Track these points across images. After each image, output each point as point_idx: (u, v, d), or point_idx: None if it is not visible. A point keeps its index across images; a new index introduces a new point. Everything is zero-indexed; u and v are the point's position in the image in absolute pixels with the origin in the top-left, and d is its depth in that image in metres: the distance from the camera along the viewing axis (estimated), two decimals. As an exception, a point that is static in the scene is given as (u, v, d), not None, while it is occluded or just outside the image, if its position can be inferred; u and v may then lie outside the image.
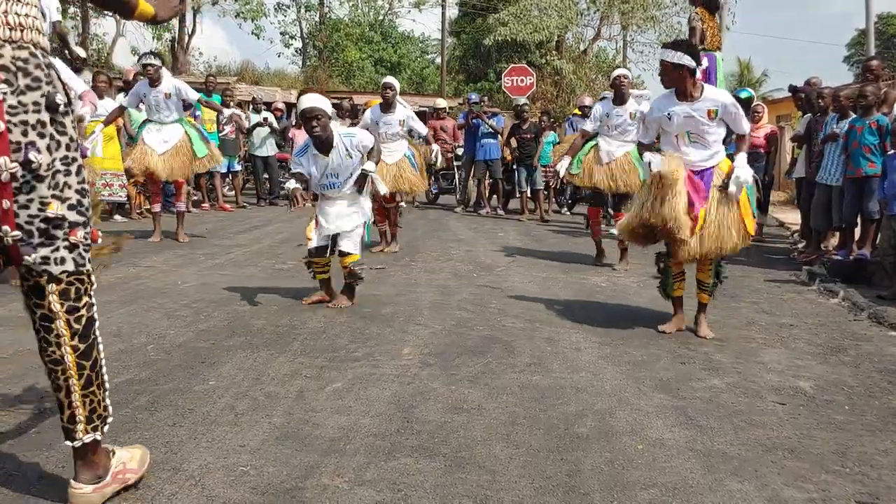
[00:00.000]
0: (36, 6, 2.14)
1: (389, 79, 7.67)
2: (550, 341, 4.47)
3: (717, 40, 6.56)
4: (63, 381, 2.29)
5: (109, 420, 2.42)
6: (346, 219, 5.09)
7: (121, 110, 8.09)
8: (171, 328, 4.46)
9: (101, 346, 2.41)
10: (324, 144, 4.93)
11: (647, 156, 4.58)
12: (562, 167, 6.79)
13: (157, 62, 7.63)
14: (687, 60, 4.48)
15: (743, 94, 10.15)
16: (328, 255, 5.13)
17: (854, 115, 7.16)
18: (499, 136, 12.13)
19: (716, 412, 3.38)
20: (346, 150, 4.96)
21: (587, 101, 11.51)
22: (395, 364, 3.90)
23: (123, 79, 11.50)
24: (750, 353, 4.44)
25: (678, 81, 4.54)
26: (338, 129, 5.01)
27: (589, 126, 7.16)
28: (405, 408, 3.28)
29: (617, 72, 7.34)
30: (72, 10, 25.44)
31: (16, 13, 2.08)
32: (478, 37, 26.92)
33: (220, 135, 11.77)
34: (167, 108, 7.62)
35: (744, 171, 4.49)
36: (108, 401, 2.41)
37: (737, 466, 2.80)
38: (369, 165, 5.10)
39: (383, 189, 5.26)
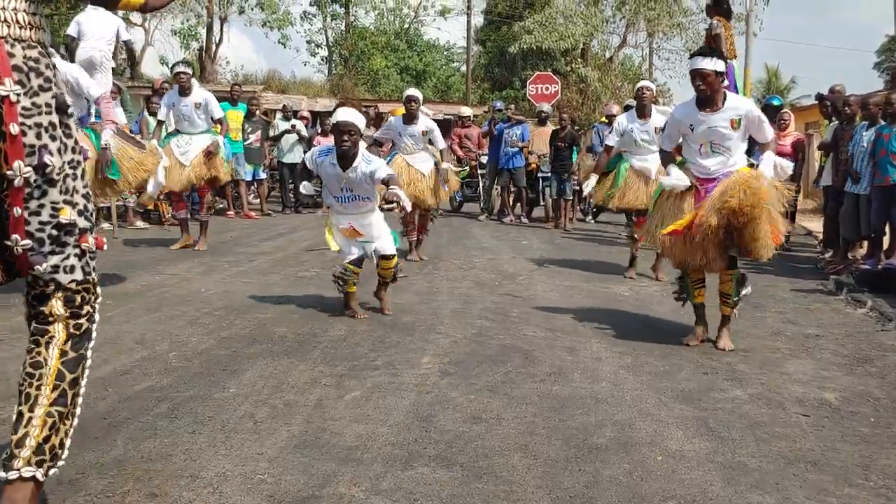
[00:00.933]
0: (41, 3, 2.07)
1: (413, 91, 7.68)
2: (571, 351, 4.45)
3: (733, 49, 6.55)
4: (34, 389, 2.10)
5: (60, 464, 2.18)
6: (368, 227, 5.11)
7: (160, 126, 8.08)
8: (194, 336, 4.50)
9: (86, 371, 2.27)
10: (346, 159, 4.92)
11: (665, 180, 4.60)
12: (588, 186, 6.76)
13: (189, 70, 7.72)
14: (721, 67, 4.45)
15: (775, 102, 10.08)
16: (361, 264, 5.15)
17: (882, 123, 7.06)
18: (524, 144, 12.14)
19: (738, 423, 3.34)
20: (363, 173, 4.92)
21: (614, 109, 11.45)
22: (415, 373, 3.90)
23: (153, 87, 11.65)
24: (774, 363, 4.38)
25: (716, 89, 4.47)
26: (363, 152, 5.00)
27: (612, 140, 7.08)
28: (423, 417, 3.27)
29: (640, 83, 7.28)
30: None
31: (24, 11, 2.00)
32: (503, 45, 26.94)
33: (245, 143, 11.89)
34: (196, 118, 7.65)
35: (769, 166, 4.45)
36: (68, 441, 2.19)
37: (758, 479, 2.77)
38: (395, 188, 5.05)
39: (408, 205, 5.19)
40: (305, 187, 5.39)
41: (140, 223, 10.21)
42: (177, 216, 8.28)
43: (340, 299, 5.26)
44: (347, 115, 4.86)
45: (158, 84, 12.06)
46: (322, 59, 32.03)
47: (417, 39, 33.87)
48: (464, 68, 29.67)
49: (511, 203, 12.81)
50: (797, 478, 2.80)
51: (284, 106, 14.28)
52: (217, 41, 27.61)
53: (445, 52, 35.33)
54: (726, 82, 4.61)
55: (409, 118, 7.47)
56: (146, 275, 6.42)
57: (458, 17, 31.17)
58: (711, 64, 4.40)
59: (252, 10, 28.36)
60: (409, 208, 5.02)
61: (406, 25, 33.87)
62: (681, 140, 4.78)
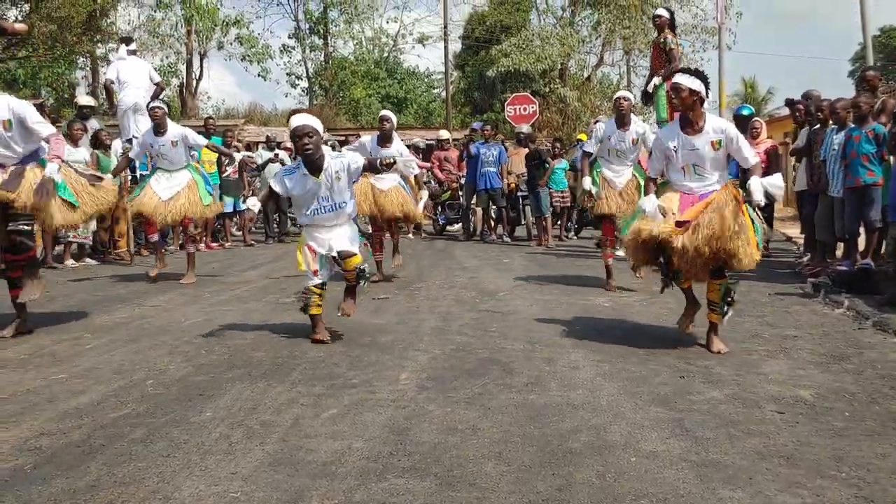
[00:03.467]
0: None
1: (387, 112, 7.76)
2: (549, 361, 4.47)
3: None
4: None
5: None
6: (338, 239, 5.02)
7: (127, 160, 8.10)
8: (172, 363, 4.49)
9: None
10: (314, 164, 4.87)
11: (644, 205, 4.68)
12: (587, 183, 6.92)
13: (164, 106, 7.75)
14: (700, 88, 4.59)
15: (745, 112, 10.22)
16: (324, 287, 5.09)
17: (851, 126, 7.17)
18: (501, 166, 12.22)
19: (712, 423, 3.36)
20: (336, 171, 4.88)
21: (602, 119, 11.65)
22: (392, 389, 3.91)
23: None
24: (751, 364, 4.41)
25: (691, 107, 4.60)
26: (328, 152, 5.00)
27: (590, 147, 7.19)
28: (399, 430, 3.28)
29: (618, 94, 7.36)
30: (80, 60, 25.91)
31: None
32: (482, 69, 27.16)
33: (223, 175, 11.92)
34: (175, 155, 7.66)
35: (758, 190, 4.55)
36: None
37: (730, 475, 2.78)
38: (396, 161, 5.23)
39: (415, 170, 5.15)
40: (251, 203, 5.18)
41: (90, 260, 9.97)
42: (150, 239, 8.27)
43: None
44: (302, 119, 4.87)
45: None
46: (303, 91, 32.21)
47: (397, 67, 34.14)
48: (444, 94, 29.89)
49: (494, 223, 12.87)
50: (770, 472, 2.82)
51: (268, 137, 14.34)
52: (197, 77, 27.78)
53: (425, 79, 35.59)
54: (707, 105, 4.72)
55: (384, 139, 7.52)
56: (126, 307, 6.41)
57: (437, 44, 31.49)
58: (688, 81, 4.57)
59: (231, 44, 28.57)
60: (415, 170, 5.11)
61: (385, 54, 34.15)
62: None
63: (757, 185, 4.55)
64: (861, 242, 7.24)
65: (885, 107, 7.22)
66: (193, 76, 27.35)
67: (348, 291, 5.21)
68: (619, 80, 31.11)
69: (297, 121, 4.86)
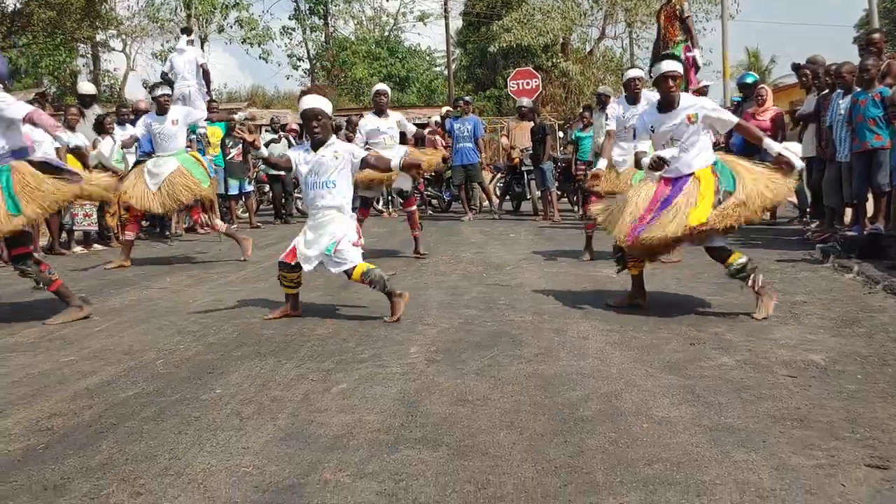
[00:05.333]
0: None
1: (381, 86, 7.85)
2: (558, 332, 4.45)
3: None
4: None
5: None
6: (323, 238, 4.88)
7: (133, 140, 8.13)
8: (181, 343, 4.49)
9: None
10: (320, 144, 4.90)
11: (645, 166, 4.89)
12: (602, 164, 6.76)
13: (170, 91, 7.85)
14: (681, 69, 4.82)
15: (749, 79, 10.13)
16: (300, 271, 5.00)
17: (858, 89, 7.09)
18: (476, 140, 12.11)
19: (724, 388, 3.35)
20: (336, 150, 4.88)
21: (609, 90, 11.60)
22: (402, 362, 3.90)
23: (133, 109, 11.65)
24: (762, 330, 4.39)
25: (676, 89, 4.81)
26: (336, 139, 4.97)
27: (612, 125, 7.07)
28: (410, 403, 3.27)
29: (631, 74, 7.19)
30: (82, 49, 25.87)
31: None
32: (483, 45, 27.01)
33: (227, 158, 11.89)
34: (173, 136, 7.73)
35: (776, 147, 4.72)
36: None
37: (744, 438, 2.77)
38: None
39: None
40: (262, 152, 5.15)
41: (98, 246, 9.99)
42: (126, 237, 8.06)
43: (327, 300, 5.27)
44: (313, 101, 4.86)
45: (142, 105, 12.07)
46: (304, 72, 32.09)
47: (398, 46, 33.98)
48: (446, 72, 29.74)
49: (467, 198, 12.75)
50: (783, 434, 2.80)
51: (272, 119, 14.27)
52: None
53: (427, 57, 35.42)
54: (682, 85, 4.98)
55: (381, 112, 7.54)
56: (134, 290, 6.41)
57: (438, 21, 31.29)
58: (678, 66, 4.79)
59: (231, 27, 28.45)
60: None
61: (386, 33, 33.98)
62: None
63: (787, 152, 4.67)
64: (869, 207, 7.19)
65: (891, 69, 7.13)
66: (180, 53, 27.22)
67: (387, 296, 4.99)
68: (622, 52, 30.92)
69: (309, 102, 4.87)
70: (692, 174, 4.70)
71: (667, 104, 4.82)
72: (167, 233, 10.98)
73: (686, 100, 4.85)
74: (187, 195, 7.65)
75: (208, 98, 11.59)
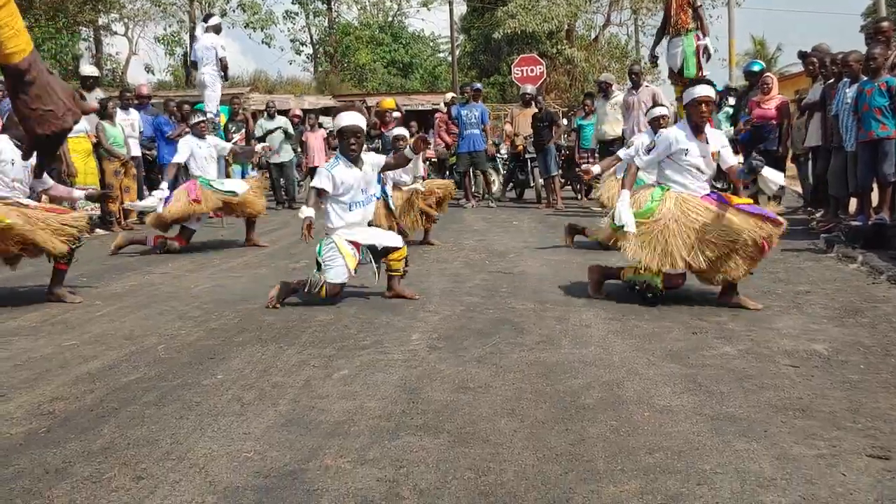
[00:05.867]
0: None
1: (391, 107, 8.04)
2: (560, 320, 4.45)
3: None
4: None
5: None
6: (379, 235, 5.21)
7: (175, 167, 7.94)
8: (183, 328, 4.49)
9: None
10: (357, 160, 5.02)
11: (621, 212, 4.65)
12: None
13: (204, 117, 8.08)
14: (714, 94, 4.82)
15: (755, 67, 10.07)
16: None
17: (864, 78, 7.04)
18: (483, 126, 12.04)
19: (726, 378, 3.34)
20: (370, 163, 5.10)
21: (611, 77, 11.63)
22: (403, 349, 3.90)
23: (136, 94, 11.61)
24: (765, 320, 4.38)
25: (708, 114, 4.75)
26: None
27: (640, 162, 5.44)
28: (411, 390, 3.27)
29: (657, 112, 7.15)
30: (84, 32, 25.77)
31: None
32: (487, 31, 26.88)
33: (230, 142, 11.86)
34: (213, 161, 7.99)
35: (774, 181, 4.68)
36: None
37: (745, 428, 2.77)
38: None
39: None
40: (305, 212, 4.95)
41: (100, 230, 9.95)
42: (169, 245, 7.79)
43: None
44: (353, 118, 4.98)
45: (144, 90, 12.04)
46: (307, 57, 32.00)
47: (402, 32, 33.79)
48: (450, 58, 29.61)
49: (483, 186, 12.70)
50: (785, 424, 2.80)
51: (268, 104, 14.20)
52: (201, 45, 27.49)
53: (431, 43, 35.24)
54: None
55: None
56: (136, 275, 6.42)
57: (442, 7, 31.17)
58: (713, 91, 4.75)
59: (234, 11, 28.33)
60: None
61: (390, 18, 33.81)
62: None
63: (770, 175, 4.61)
64: (874, 197, 7.16)
65: (898, 59, 7.09)
66: (196, 41, 27.10)
67: (395, 280, 5.16)
68: (628, 40, 30.77)
69: (349, 119, 4.96)
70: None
71: (698, 131, 4.74)
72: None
73: (711, 133, 4.79)
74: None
75: (225, 82, 11.51)
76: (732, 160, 4.84)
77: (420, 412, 3.00)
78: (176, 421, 2.97)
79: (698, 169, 4.69)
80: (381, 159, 5.26)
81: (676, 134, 4.76)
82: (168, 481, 2.44)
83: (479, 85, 13.06)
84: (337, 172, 4.95)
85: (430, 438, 2.73)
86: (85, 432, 2.87)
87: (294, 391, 3.29)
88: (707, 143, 4.73)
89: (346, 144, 4.98)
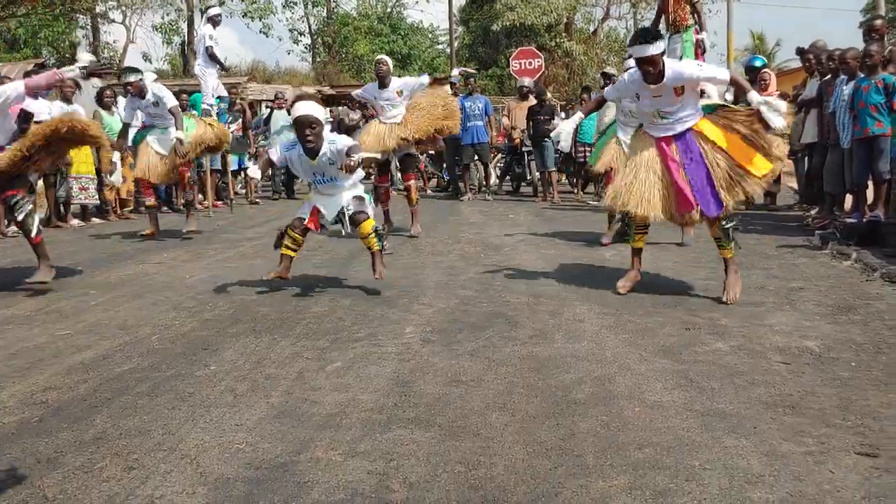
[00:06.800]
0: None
1: (382, 56, 7.88)
2: (554, 314, 4.45)
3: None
4: None
5: None
6: (342, 196, 5.04)
7: (125, 128, 8.07)
8: (177, 319, 4.49)
9: None
10: (313, 151, 4.87)
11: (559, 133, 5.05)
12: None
13: (139, 75, 7.77)
14: (662, 47, 4.56)
15: (757, 63, 10.06)
16: (305, 234, 5.10)
17: (861, 76, 7.05)
18: (487, 118, 12.00)
19: (718, 374, 3.35)
20: (329, 157, 4.86)
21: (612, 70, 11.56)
22: (397, 342, 3.91)
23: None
24: (757, 316, 4.39)
25: (660, 68, 4.56)
26: (326, 136, 4.91)
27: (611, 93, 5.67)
28: (403, 383, 3.28)
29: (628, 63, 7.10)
30: (82, 20, 25.68)
31: None
32: (486, 23, 26.81)
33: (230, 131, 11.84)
34: (161, 116, 7.76)
35: (758, 99, 4.52)
36: None
37: (735, 424, 2.78)
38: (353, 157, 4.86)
39: (371, 155, 5.19)
40: (252, 171, 5.24)
41: (96, 220, 10.02)
42: (146, 204, 8.17)
43: (324, 277, 5.26)
44: (307, 108, 4.81)
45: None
46: (305, 48, 31.92)
47: (400, 23, 33.72)
48: (448, 50, 29.54)
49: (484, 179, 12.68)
50: (774, 421, 2.81)
51: (277, 94, 14.12)
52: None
53: (429, 35, 35.17)
54: (666, 57, 4.71)
55: (382, 82, 7.55)
56: (131, 264, 6.41)
57: (441, -2, 31.03)
58: (656, 49, 4.49)
59: (232, 0, 28.22)
60: (369, 157, 5.06)
61: (388, 9, 33.72)
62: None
63: (755, 96, 4.54)
64: (869, 195, 7.17)
65: (893, 56, 7.10)
66: (195, 33, 27.02)
67: (373, 257, 5.10)
68: (626, 33, 30.67)
69: (302, 109, 4.80)
70: (689, 129, 4.67)
71: (649, 80, 4.62)
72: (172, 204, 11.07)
73: (671, 70, 4.56)
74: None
75: (223, 73, 11.46)
76: (718, 74, 4.71)
77: (412, 405, 3.01)
78: (168, 412, 2.98)
79: (657, 115, 4.69)
80: (348, 143, 4.86)
81: (630, 79, 4.78)
82: (159, 472, 2.45)
83: (471, 70, 12.96)
84: (290, 154, 5.01)
85: (421, 432, 2.74)
86: (77, 422, 2.88)
87: (287, 383, 3.30)
88: (664, 82, 4.58)
89: (301, 135, 4.80)
